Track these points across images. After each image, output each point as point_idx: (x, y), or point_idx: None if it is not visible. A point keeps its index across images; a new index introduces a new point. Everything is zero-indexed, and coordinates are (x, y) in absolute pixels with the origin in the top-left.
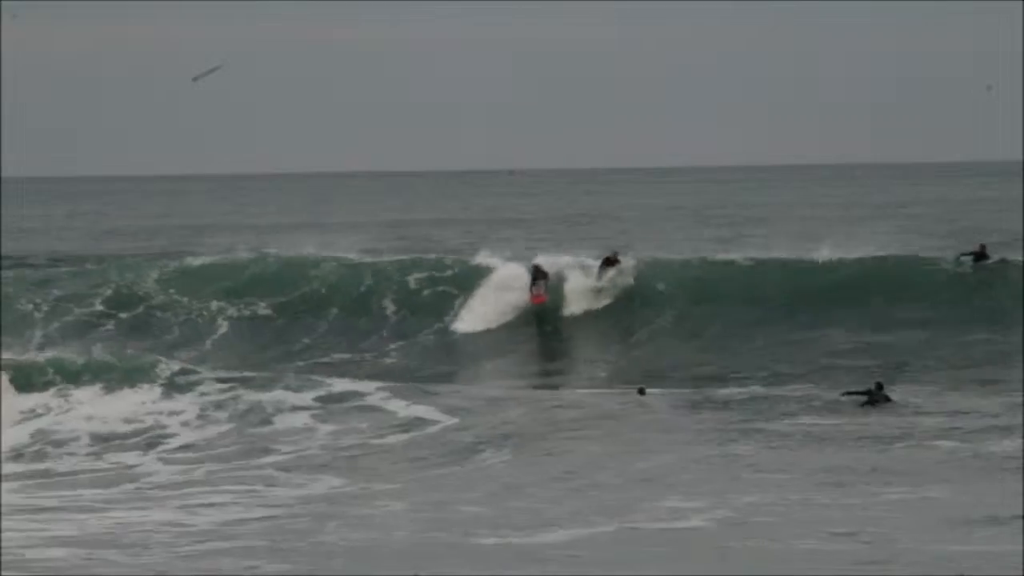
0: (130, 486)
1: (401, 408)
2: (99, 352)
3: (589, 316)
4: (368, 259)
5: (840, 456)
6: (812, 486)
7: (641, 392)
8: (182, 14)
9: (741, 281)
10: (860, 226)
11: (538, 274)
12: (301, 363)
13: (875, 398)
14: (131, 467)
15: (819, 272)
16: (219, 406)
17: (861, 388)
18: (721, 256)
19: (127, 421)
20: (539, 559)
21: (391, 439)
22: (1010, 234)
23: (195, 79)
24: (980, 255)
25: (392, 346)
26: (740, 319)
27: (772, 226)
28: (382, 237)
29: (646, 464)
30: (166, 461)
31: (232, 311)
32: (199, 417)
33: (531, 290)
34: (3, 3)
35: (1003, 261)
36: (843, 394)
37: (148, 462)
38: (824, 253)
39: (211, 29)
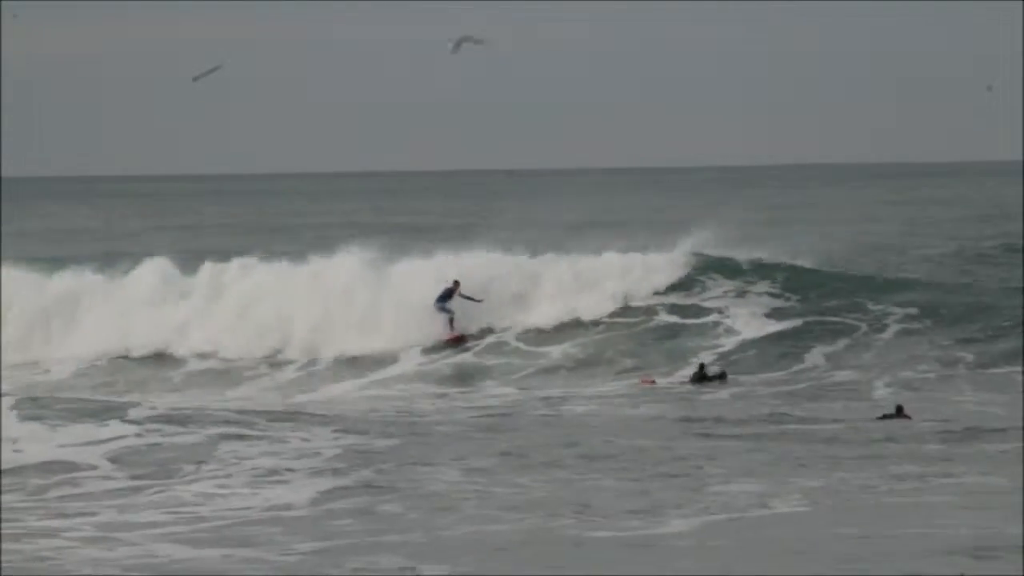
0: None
1: None
2: None
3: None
4: None
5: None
6: (875, 476)
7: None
8: (182, 14)
9: None
10: None
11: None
12: None
13: (892, 415)
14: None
15: None
16: None
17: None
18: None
19: None
20: (656, 550)
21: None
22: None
23: (195, 79)
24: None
25: None
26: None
27: None
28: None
29: (701, 449)
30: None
31: None
32: None
33: (450, 325)
34: (3, 3)
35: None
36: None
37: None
38: None
39: (211, 29)
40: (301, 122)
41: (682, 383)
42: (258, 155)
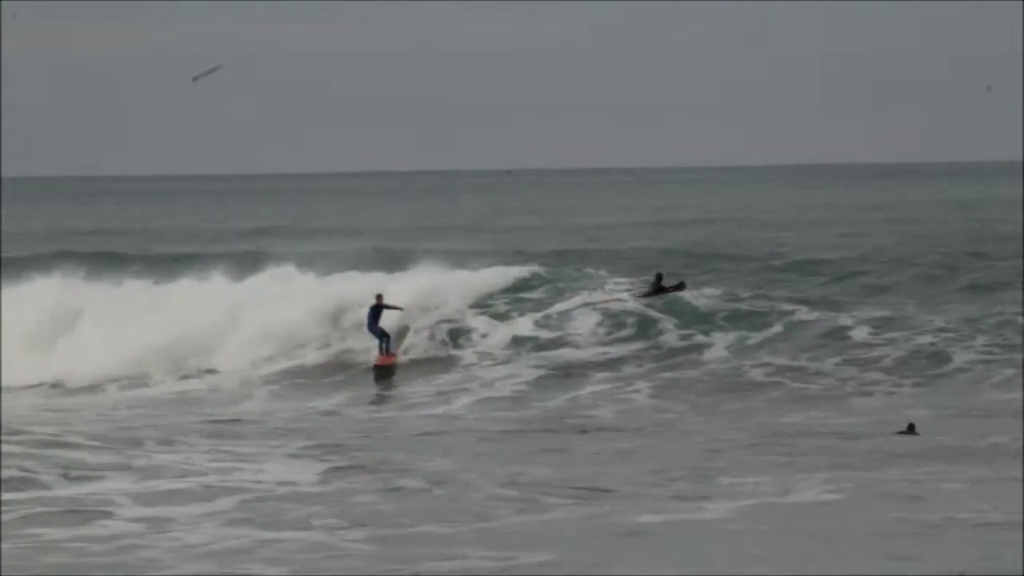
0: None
1: None
2: None
3: None
4: None
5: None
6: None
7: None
8: (182, 14)
9: None
10: None
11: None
12: None
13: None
14: None
15: None
16: None
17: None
18: None
19: None
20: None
21: None
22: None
23: (195, 79)
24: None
25: None
26: None
27: None
28: None
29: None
30: None
31: None
32: None
33: (380, 348)
34: (3, 3)
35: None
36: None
37: None
38: None
39: (211, 29)
40: (300, 123)
41: (643, 294)
42: (258, 155)
